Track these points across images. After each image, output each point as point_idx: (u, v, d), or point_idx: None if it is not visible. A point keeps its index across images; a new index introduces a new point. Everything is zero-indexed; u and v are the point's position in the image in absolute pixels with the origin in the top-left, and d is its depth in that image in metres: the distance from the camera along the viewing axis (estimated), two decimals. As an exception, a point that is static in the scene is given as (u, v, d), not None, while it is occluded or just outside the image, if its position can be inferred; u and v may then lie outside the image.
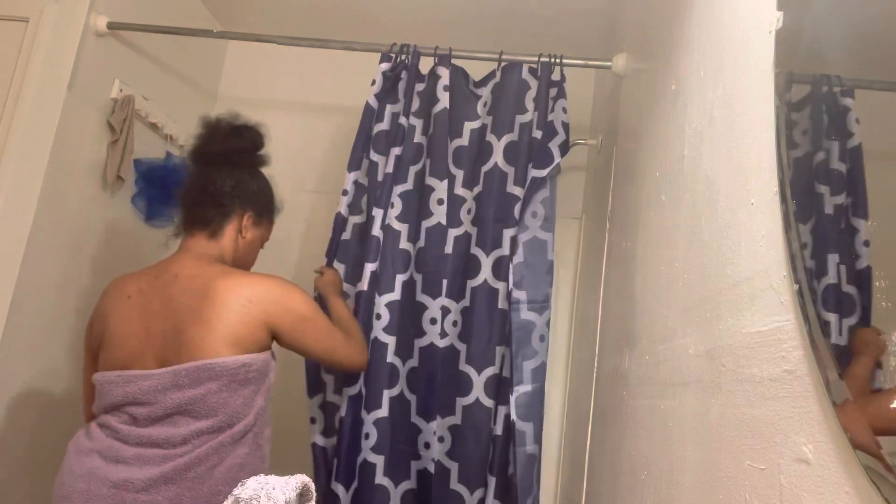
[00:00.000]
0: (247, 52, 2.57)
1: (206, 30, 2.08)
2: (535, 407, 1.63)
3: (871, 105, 0.59)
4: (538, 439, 1.63)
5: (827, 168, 0.63)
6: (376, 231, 1.69)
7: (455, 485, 1.61)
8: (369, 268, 1.67)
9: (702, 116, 1.03)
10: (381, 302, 1.68)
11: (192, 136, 1.47)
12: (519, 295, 1.66)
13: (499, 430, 1.60)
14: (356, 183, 1.78)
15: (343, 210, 1.76)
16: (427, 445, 1.67)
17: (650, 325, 1.21)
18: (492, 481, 1.58)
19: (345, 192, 1.77)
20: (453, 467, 1.62)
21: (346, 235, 1.76)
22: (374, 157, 1.77)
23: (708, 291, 0.91)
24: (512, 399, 1.59)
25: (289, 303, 1.36)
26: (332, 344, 1.44)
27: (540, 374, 1.65)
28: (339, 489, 1.59)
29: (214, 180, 1.41)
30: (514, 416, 1.58)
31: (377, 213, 1.70)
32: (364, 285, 1.66)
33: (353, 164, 1.78)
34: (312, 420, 1.70)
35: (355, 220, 1.77)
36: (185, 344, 1.27)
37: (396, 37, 1.87)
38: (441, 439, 1.67)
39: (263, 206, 1.50)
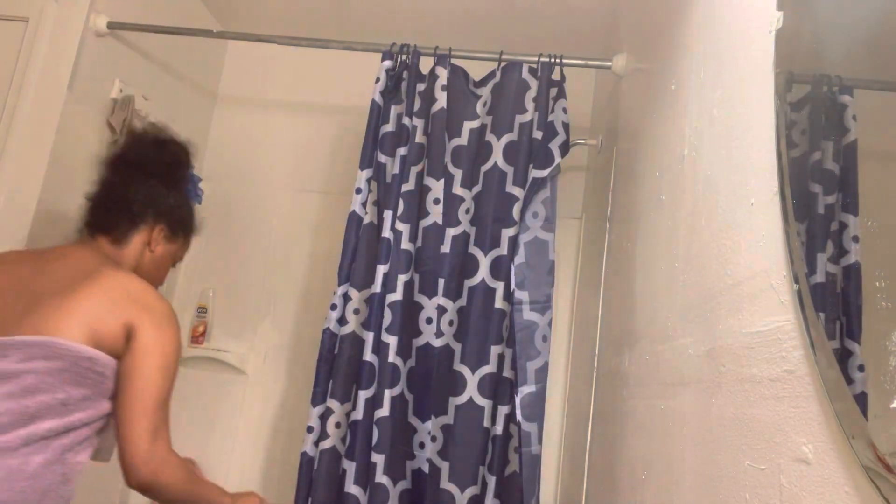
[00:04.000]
0: (247, 52, 2.57)
1: (206, 30, 2.08)
2: (538, 407, 1.63)
3: (870, 104, 0.59)
4: (541, 439, 1.63)
5: (821, 167, 0.63)
6: (386, 233, 1.70)
7: (446, 483, 1.61)
8: (381, 269, 1.68)
9: (702, 116, 1.03)
10: (385, 302, 1.68)
11: (114, 144, 1.40)
12: (521, 296, 1.66)
13: (498, 429, 1.61)
14: (369, 181, 1.78)
15: (357, 209, 1.76)
16: (422, 445, 1.68)
17: (650, 325, 1.21)
18: (491, 480, 1.58)
19: (358, 191, 1.77)
20: (444, 466, 1.62)
21: (360, 234, 1.76)
22: (382, 158, 1.78)
23: (708, 291, 0.91)
24: (517, 400, 1.59)
25: (161, 323, 1.19)
26: (159, 397, 1.16)
27: (543, 374, 1.65)
28: (357, 490, 1.59)
29: (128, 187, 1.34)
30: (519, 417, 1.58)
31: (387, 214, 1.71)
32: (377, 287, 1.67)
33: (365, 162, 1.78)
34: (309, 429, 1.68)
35: (367, 219, 1.77)
36: (39, 316, 1.12)
37: (396, 37, 1.87)
38: (434, 439, 1.67)
39: (179, 223, 1.42)
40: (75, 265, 1.22)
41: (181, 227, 1.43)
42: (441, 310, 1.71)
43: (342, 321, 1.72)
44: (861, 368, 0.55)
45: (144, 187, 1.36)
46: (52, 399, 1.09)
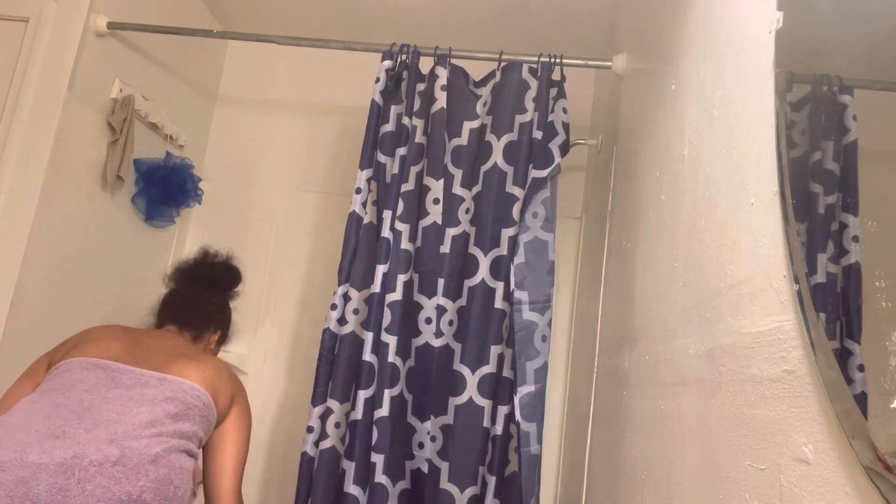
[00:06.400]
0: (247, 52, 2.57)
1: (206, 30, 2.08)
2: (538, 407, 1.63)
3: (870, 104, 0.59)
4: (541, 439, 1.63)
5: (822, 167, 0.63)
6: (386, 233, 1.70)
7: (445, 484, 1.61)
8: (381, 269, 1.68)
9: (702, 116, 1.03)
10: (384, 302, 1.68)
11: (188, 258, 1.71)
12: (521, 296, 1.66)
13: (498, 429, 1.60)
14: (369, 181, 1.78)
15: (357, 208, 1.76)
16: (421, 445, 1.68)
17: (650, 325, 1.21)
18: (491, 480, 1.58)
19: (358, 191, 1.77)
20: (444, 466, 1.62)
21: (360, 234, 1.76)
22: (382, 158, 1.78)
23: (708, 291, 0.91)
24: (516, 400, 1.59)
25: (248, 406, 1.48)
26: (243, 459, 1.44)
27: (542, 374, 1.65)
28: (356, 490, 1.59)
29: (206, 299, 1.62)
30: (518, 417, 1.58)
31: (386, 214, 1.71)
32: (377, 287, 1.67)
33: (365, 163, 1.78)
34: (309, 429, 1.68)
35: (367, 219, 1.77)
36: (173, 365, 1.35)
37: (397, 37, 1.87)
38: (433, 439, 1.67)
39: (227, 330, 1.70)
40: (174, 340, 1.48)
41: (226, 334, 1.71)
42: (441, 310, 1.71)
43: (342, 321, 1.72)
44: (861, 368, 0.55)
45: (217, 300, 1.66)
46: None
